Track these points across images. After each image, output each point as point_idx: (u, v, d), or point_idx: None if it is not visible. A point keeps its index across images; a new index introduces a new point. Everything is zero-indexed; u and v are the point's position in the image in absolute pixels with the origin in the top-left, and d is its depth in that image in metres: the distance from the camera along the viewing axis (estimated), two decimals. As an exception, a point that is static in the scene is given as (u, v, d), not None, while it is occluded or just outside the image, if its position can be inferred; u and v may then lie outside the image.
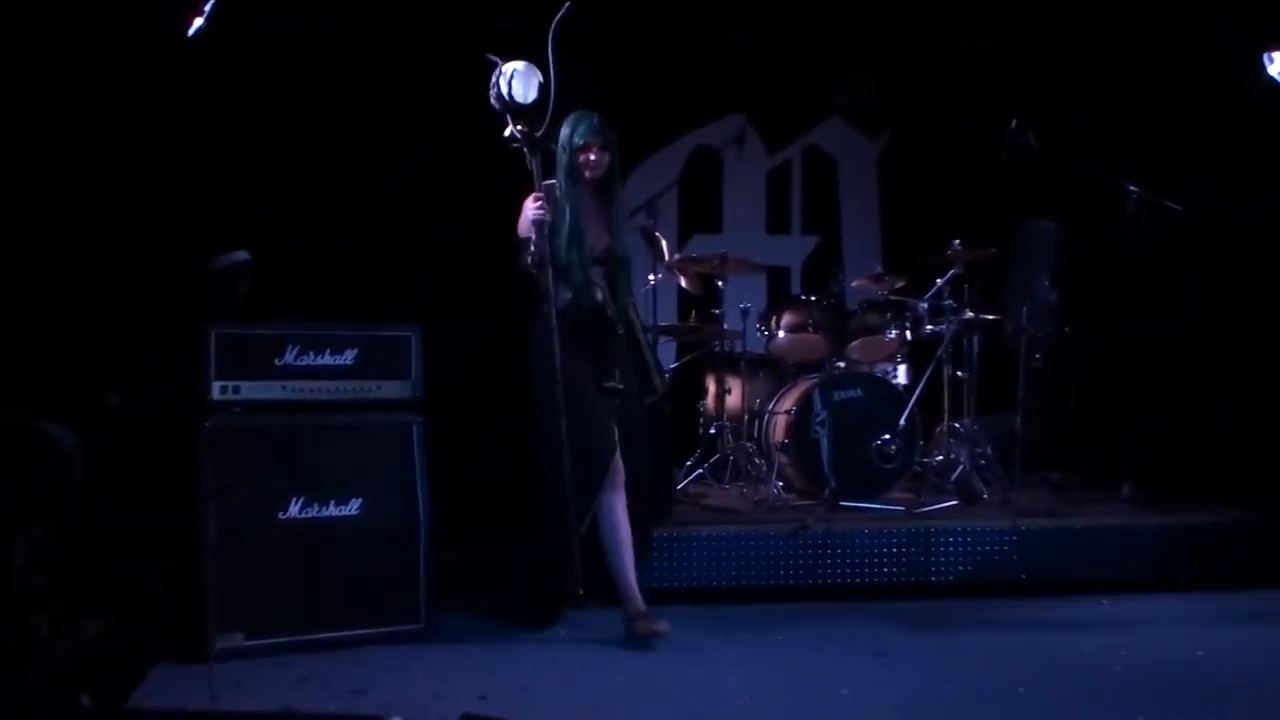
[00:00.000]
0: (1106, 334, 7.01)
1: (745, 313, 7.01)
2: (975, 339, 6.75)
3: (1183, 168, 6.87)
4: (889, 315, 6.86)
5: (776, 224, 8.73)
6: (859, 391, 6.56)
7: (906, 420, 6.41)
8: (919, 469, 6.62)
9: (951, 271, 6.68)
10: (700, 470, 6.93)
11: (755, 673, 4.54)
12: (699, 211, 8.55)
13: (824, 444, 6.39)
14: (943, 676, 4.48)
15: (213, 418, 4.72)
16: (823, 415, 6.44)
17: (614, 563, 4.95)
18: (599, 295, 4.97)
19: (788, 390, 6.91)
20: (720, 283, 6.97)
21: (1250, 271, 6.83)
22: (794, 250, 8.71)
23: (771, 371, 7.28)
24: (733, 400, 7.07)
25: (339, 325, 5.04)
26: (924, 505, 6.21)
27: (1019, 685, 4.36)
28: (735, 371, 7.02)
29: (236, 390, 4.79)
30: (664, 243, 6.87)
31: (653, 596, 5.11)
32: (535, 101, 4.75)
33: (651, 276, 6.62)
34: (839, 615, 5.33)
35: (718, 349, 7.15)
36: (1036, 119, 6.71)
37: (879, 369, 7.08)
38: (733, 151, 7.62)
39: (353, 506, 4.88)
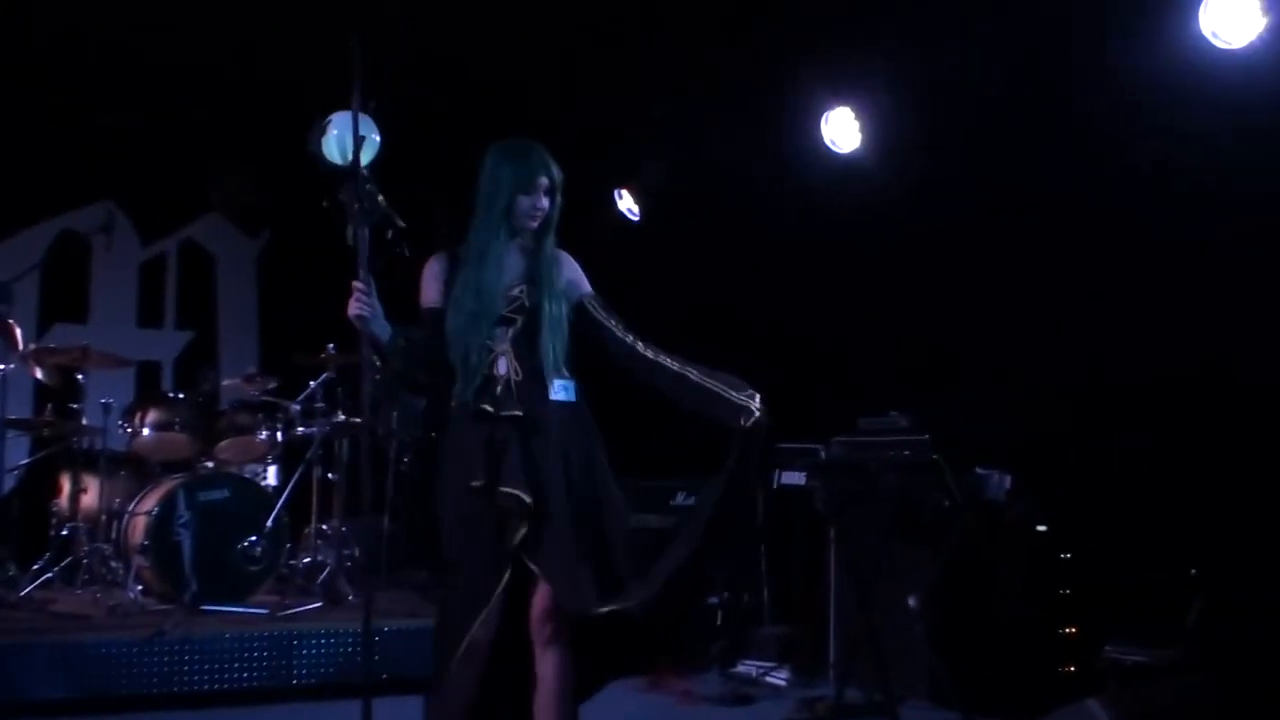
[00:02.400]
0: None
1: (107, 408, 6.66)
2: (346, 442, 6.85)
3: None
4: (261, 416, 6.82)
5: (149, 317, 8.44)
6: (226, 492, 6.43)
7: (274, 522, 6.36)
8: (285, 571, 6.57)
9: (325, 374, 6.76)
10: (50, 574, 6.47)
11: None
12: (63, 300, 8.10)
13: (186, 546, 6.19)
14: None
15: None
16: (186, 516, 6.24)
17: None
18: (502, 368, 3.69)
19: (150, 490, 6.64)
20: (81, 376, 6.63)
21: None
22: (167, 345, 8.45)
23: (134, 470, 6.96)
24: (89, 500, 6.69)
25: None
26: (289, 608, 6.16)
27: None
28: (94, 470, 6.66)
29: None
30: (18, 331, 6.44)
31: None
32: (360, 161, 3.85)
33: (2, 366, 6.18)
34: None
35: (75, 445, 6.75)
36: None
37: (249, 470, 6.99)
38: (102, 240, 7.30)
39: None
